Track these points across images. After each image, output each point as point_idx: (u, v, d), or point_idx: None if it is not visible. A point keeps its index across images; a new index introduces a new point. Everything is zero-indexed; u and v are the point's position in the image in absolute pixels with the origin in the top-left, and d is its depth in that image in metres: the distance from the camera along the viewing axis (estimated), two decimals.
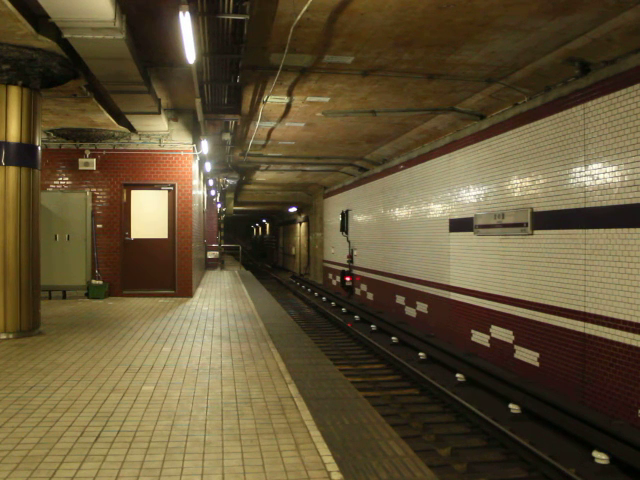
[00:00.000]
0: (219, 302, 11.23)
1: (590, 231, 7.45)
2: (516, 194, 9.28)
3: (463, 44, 7.48)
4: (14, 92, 7.07)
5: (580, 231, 7.65)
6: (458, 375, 9.06)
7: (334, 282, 23.13)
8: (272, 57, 8.07)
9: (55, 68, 7.10)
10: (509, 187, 9.52)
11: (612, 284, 7.03)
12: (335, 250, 23.25)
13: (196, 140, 12.03)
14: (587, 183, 7.49)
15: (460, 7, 6.28)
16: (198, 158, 13.19)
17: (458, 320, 11.46)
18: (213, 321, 8.72)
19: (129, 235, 11.73)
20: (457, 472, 5.66)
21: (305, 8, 5.98)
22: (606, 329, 7.12)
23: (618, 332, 6.90)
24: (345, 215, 20.92)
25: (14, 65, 6.84)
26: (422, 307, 13.52)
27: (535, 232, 8.71)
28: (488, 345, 10.15)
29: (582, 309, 7.60)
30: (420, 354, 10.60)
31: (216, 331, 7.81)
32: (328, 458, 3.41)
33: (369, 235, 18.25)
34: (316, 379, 5.31)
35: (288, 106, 10.99)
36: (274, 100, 10.42)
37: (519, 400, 7.54)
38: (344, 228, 20.90)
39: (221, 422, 4.04)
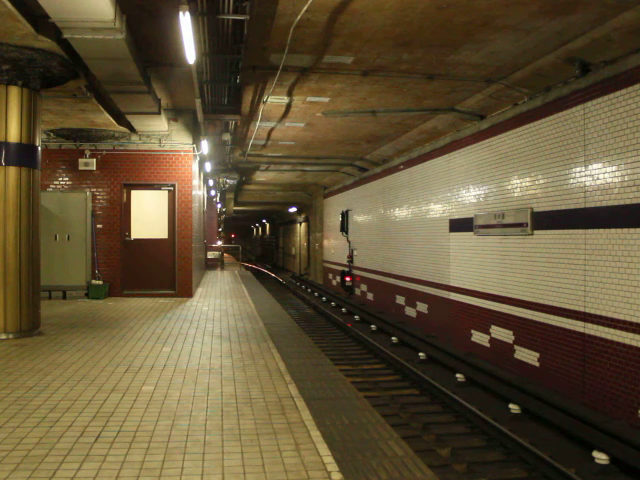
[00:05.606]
0: (219, 302, 11.23)
1: (590, 231, 7.45)
2: (516, 194, 9.28)
3: (463, 44, 7.48)
4: (14, 92, 7.06)
5: (580, 231, 7.65)
6: (458, 375, 9.06)
7: (334, 282, 23.14)
8: (272, 57, 8.07)
9: (55, 68, 7.10)
10: (509, 187, 9.52)
11: (612, 284, 7.03)
12: (335, 250, 23.25)
13: (196, 140, 12.03)
14: (587, 183, 7.49)
15: (460, 7, 6.28)
16: (198, 158, 13.19)
17: (458, 320, 11.46)
18: (213, 321, 8.72)
19: (129, 235, 11.73)
20: (457, 472, 5.66)
21: (305, 8, 5.99)
22: (606, 329, 7.12)
23: (618, 332, 6.90)
24: (345, 215, 20.92)
25: (14, 65, 6.84)
26: (422, 307, 13.52)
27: (535, 232, 8.71)
28: (488, 345, 10.16)
29: (582, 309, 7.60)
30: (420, 354, 10.60)
31: (216, 331, 7.81)
32: (328, 458, 3.41)
33: (369, 235, 18.25)
34: (316, 379, 5.31)
35: (288, 106, 11.00)
36: (274, 100, 10.42)
37: (519, 400, 7.54)
38: (344, 228, 20.90)
39: (221, 422, 4.04)
